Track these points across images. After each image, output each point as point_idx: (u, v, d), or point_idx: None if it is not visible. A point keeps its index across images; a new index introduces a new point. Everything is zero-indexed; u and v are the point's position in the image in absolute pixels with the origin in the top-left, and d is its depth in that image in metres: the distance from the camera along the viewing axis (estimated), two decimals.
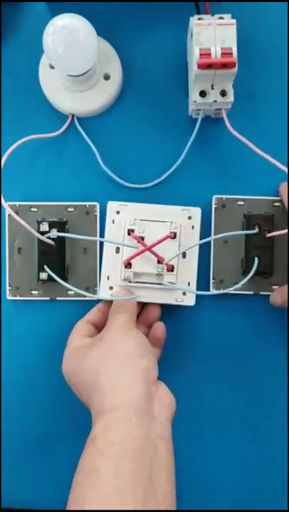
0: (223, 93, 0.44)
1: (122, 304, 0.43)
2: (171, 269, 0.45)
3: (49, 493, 0.48)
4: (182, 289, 0.46)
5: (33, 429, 0.48)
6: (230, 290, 0.45)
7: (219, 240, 0.47)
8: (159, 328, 0.46)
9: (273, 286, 0.47)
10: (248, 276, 0.44)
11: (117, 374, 0.38)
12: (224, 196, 0.47)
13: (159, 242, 0.44)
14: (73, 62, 0.43)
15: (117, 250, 0.46)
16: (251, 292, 0.47)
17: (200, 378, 0.48)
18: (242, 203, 0.47)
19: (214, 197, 0.47)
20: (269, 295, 0.47)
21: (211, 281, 0.47)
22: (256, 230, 0.45)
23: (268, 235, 0.45)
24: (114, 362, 0.39)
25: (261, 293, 0.47)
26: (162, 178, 0.49)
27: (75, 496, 0.34)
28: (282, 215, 0.47)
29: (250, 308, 0.48)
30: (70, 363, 0.42)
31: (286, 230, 0.43)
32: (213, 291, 0.47)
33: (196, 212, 0.47)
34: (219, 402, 0.48)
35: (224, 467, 0.47)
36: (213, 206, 0.47)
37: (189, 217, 0.46)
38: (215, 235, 0.47)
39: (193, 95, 0.45)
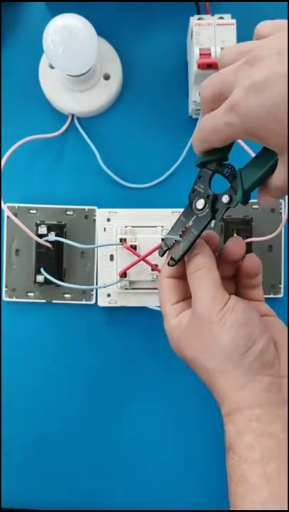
0: None
1: (202, 259, 0.35)
2: None
3: (49, 493, 0.48)
4: None
5: (33, 430, 0.48)
6: None
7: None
8: (249, 262, 0.37)
9: None
10: None
11: (228, 377, 0.33)
12: None
13: (151, 252, 0.44)
14: (73, 62, 0.43)
15: (111, 258, 0.46)
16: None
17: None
18: None
19: None
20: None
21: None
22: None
23: (246, 240, 0.46)
24: (220, 363, 0.33)
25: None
26: (162, 178, 0.49)
27: (234, 505, 0.32)
28: (261, 218, 0.47)
29: None
30: (176, 344, 0.36)
31: (264, 237, 0.44)
32: None
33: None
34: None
35: None
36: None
37: None
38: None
39: (193, 95, 0.45)
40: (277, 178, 0.30)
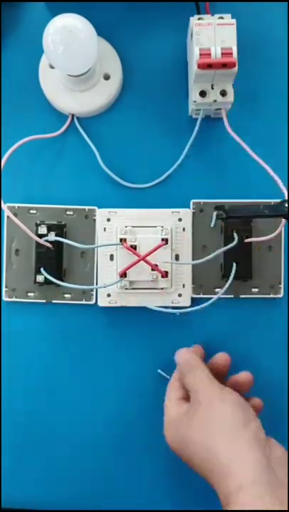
0: (223, 93, 0.44)
1: (191, 362, 0.42)
2: (165, 275, 0.45)
3: (49, 493, 0.48)
4: (176, 293, 0.46)
5: (33, 430, 0.48)
6: (220, 295, 0.45)
7: (198, 244, 0.47)
8: (243, 376, 0.43)
9: (253, 289, 0.48)
10: (227, 284, 0.45)
11: (230, 452, 0.36)
12: (202, 201, 0.48)
13: (151, 252, 0.44)
14: (73, 62, 0.43)
15: (111, 258, 0.46)
16: (231, 296, 0.48)
17: None
18: None
19: (192, 201, 0.48)
20: (249, 298, 0.48)
21: (191, 286, 0.47)
22: (235, 242, 0.45)
23: (246, 240, 0.46)
24: (222, 439, 0.37)
25: (241, 296, 0.48)
26: (162, 178, 0.49)
27: None
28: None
29: (230, 311, 0.48)
30: (173, 433, 0.41)
31: (264, 237, 0.44)
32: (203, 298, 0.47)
33: (187, 213, 0.47)
34: None
35: None
36: (191, 211, 0.47)
37: (180, 219, 0.47)
38: (193, 240, 0.47)
39: (193, 95, 0.45)
40: None
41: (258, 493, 0.34)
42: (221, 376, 0.43)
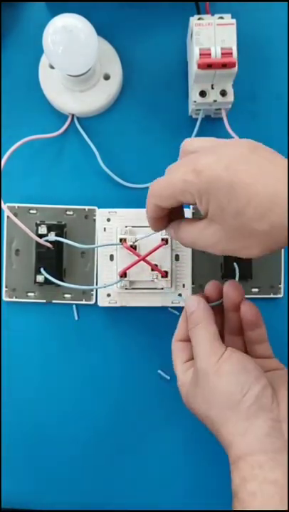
0: (223, 93, 0.44)
1: (197, 316, 0.38)
2: (165, 275, 0.45)
3: (49, 493, 0.48)
4: (177, 293, 0.46)
5: (33, 429, 0.48)
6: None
7: None
8: (248, 312, 0.39)
9: (253, 289, 0.48)
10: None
11: (229, 424, 0.35)
12: None
13: (151, 252, 0.44)
14: (73, 62, 0.43)
15: (111, 258, 0.46)
16: None
17: None
18: None
19: None
20: (249, 298, 0.47)
21: (191, 286, 0.47)
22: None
23: None
24: (220, 411, 0.35)
25: None
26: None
27: None
28: None
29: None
30: (184, 398, 0.39)
31: None
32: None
33: (187, 213, 0.46)
34: None
35: None
36: (191, 210, 0.47)
37: None
38: None
39: (193, 95, 0.45)
40: (206, 237, 0.34)
41: (256, 461, 0.33)
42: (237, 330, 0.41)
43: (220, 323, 0.41)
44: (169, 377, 0.46)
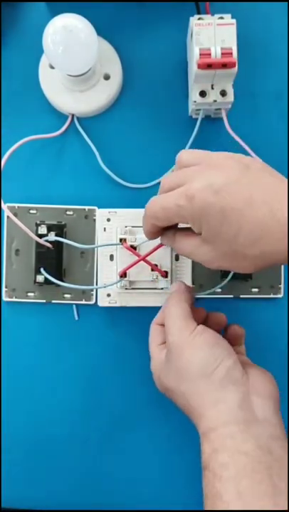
0: (223, 93, 0.44)
1: (174, 296, 0.40)
2: (165, 275, 0.45)
3: (49, 493, 0.48)
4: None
5: (33, 430, 0.48)
6: (215, 289, 0.46)
7: None
8: (233, 328, 0.42)
9: (253, 289, 0.47)
10: (226, 280, 0.45)
11: (201, 395, 0.35)
12: None
13: (151, 252, 0.44)
14: (73, 62, 0.43)
15: (111, 258, 0.46)
16: (231, 296, 0.47)
17: None
18: None
19: None
20: (249, 298, 0.47)
21: (191, 286, 0.47)
22: None
23: None
24: (192, 384, 0.36)
25: (241, 296, 0.48)
26: (162, 178, 0.49)
27: None
28: None
29: (230, 311, 0.48)
30: (156, 380, 0.40)
31: None
32: (200, 294, 0.47)
33: None
34: None
35: None
36: None
37: None
38: None
39: (193, 95, 0.45)
40: (198, 252, 0.35)
41: (228, 432, 0.33)
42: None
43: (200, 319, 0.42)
44: None
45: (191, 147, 0.48)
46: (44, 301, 0.48)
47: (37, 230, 0.46)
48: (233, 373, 0.36)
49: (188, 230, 0.36)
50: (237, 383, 0.35)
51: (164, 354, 0.39)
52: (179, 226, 0.38)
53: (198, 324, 0.38)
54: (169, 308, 0.39)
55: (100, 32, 0.45)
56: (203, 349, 0.36)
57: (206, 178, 0.33)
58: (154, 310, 0.47)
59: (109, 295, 0.47)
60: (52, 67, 0.48)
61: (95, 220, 0.48)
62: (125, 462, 0.48)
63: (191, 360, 0.36)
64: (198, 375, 0.36)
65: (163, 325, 0.40)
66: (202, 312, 0.42)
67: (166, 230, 0.39)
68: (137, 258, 0.44)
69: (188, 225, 0.35)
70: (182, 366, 0.36)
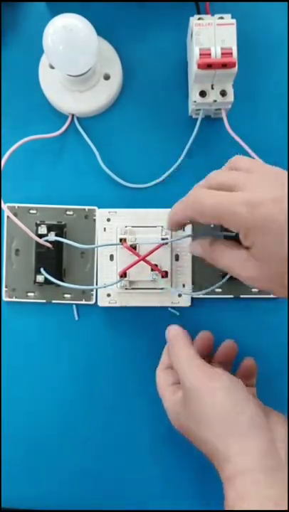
0: (223, 93, 0.44)
1: (178, 340, 0.40)
2: (165, 275, 0.45)
3: (49, 493, 0.48)
4: (177, 291, 0.46)
5: (33, 430, 0.48)
6: (212, 288, 0.45)
7: None
8: (248, 364, 0.43)
9: (253, 289, 0.47)
10: (225, 279, 0.45)
11: (225, 441, 0.35)
12: None
13: (151, 252, 0.44)
14: (73, 62, 0.43)
15: (111, 258, 0.46)
16: (231, 296, 0.47)
17: None
18: None
19: None
20: (249, 298, 0.47)
21: (191, 286, 0.47)
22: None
23: None
24: (217, 430, 0.35)
25: (241, 296, 0.47)
26: (162, 178, 0.49)
27: None
28: None
29: (230, 311, 0.48)
30: (174, 421, 0.40)
31: None
32: (198, 294, 0.47)
33: None
34: None
35: None
36: None
37: None
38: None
39: (193, 95, 0.45)
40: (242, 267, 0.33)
41: (254, 478, 0.33)
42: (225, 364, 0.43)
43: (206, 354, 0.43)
44: None
45: (191, 147, 0.48)
46: (44, 301, 0.48)
47: (37, 230, 0.46)
48: (256, 419, 0.35)
49: (230, 241, 0.34)
50: (262, 429, 0.35)
51: (178, 395, 0.39)
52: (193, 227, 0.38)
53: (206, 355, 0.39)
54: (177, 352, 0.39)
55: (99, 32, 0.45)
56: (226, 394, 0.36)
57: (269, 190, 0.30)
58: (154, 310, 0.47)
59: (109, 295, 0.47)
60: (52, 67, 0.48)
61: (95, 220, 0.48)
62: (125, 462, 0.48)
63: (214, 405, 0.36)
64: (223, 420, 0.35)
65: (170, 367, 0.41)
66: (209, 341, 0.44)
67: (200, 238, 0.37)
68: (136, 258, 0.44)
69: (230, 233, 0.33)
70: (202, 411, 0.36)
